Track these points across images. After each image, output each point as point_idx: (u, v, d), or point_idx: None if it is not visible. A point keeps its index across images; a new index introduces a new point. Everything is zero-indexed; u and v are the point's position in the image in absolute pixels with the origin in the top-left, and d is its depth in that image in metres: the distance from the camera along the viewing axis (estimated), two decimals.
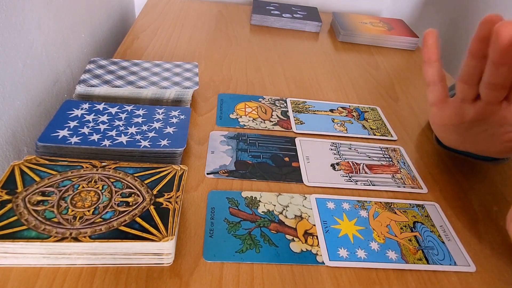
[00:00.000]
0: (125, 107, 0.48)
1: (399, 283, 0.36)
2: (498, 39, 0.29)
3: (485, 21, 0.31)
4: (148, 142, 0.43)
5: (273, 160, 0.48)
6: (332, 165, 0.49)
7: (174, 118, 0.48)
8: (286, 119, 0.56)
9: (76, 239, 0.31)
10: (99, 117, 0.46)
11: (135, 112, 0.48)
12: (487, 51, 0.32)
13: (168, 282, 0.33)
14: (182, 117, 0.48)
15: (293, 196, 0.43)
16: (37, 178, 0.36)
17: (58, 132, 0.42)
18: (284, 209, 0.41)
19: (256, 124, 0.54)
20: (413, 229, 0.41)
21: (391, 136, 0.56)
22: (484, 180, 0.50)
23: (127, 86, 0.52)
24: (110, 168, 0.38)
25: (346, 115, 0.59)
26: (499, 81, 0.33)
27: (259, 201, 0.42)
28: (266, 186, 0.44)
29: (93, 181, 0.36)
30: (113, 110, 0.47)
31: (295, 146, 0.51)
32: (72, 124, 0.44)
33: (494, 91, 0.34)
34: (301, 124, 0.56)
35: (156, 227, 0.33)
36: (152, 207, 0.34)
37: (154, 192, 0.36)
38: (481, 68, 0.34)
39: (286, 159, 0.49)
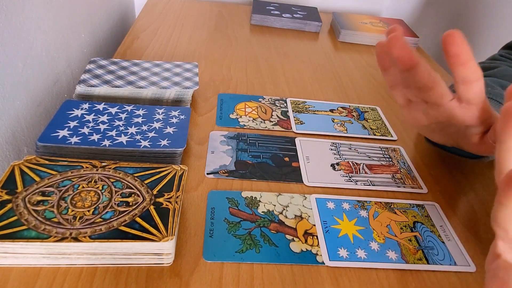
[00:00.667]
0: (125, 107, 0.48)
1: (399, 283, 0.36)
2: (391, 52, 0.34)
3: (379, 45, 0.38)
4: (148, 142, 0.43)
5: (273, 160, 0.48)
6: (332, 165, 0.49)
7: (174, 118, 0.48)
8: (286, 119, 0.56)
9: (76, 239, 0.31)
10: (99, 117, 0.46)
11: (135, 112, 0.48)
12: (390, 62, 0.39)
13: (168, 282, 0.33)
14: (182, 117, 0.48)
15: (293, 196, 0.43)
16: (37, 178, 0.36)
17: (58, 132, 0.42)
18: (284, 209, 0.41)
19: (256, 124, 0.54)
20: (413, 229, 0.41)
21: (391, 136, 0.56)
22: (484, 180, 0.50)
23: (127, 86, 0.52)
24: (110, 168, 0.38)
25: (346, 115, 0.59)
26: (411, 84, 0.37)
27: (259, 201, 0.42)
28: (266, 186, 0.44)
29: (93, 181, 0.36)
30: (113, 110, 0.47)
31: (295, 146, 0.51)
32: (72, 124, 0.44)
33: (417, 93, 0.38)
34: (301, 124, 0.56)
35: (156, 227, 0.33)
36: (152, 207, 0.34)
37: (154, 192, 0.36)
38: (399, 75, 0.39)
39: (286, 159, 0.49)
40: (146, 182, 0.37)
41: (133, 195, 0.36)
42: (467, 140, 0.42)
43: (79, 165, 0.38)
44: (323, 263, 0.36)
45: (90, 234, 0.31)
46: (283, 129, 0.54)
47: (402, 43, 0.34)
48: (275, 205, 0.42)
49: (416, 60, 0.34)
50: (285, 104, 0.60)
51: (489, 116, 0.38)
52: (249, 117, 0.56)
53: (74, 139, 0.42)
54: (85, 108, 0.47)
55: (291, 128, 0.55)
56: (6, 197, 0.34)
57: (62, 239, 0.31)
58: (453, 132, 0.42)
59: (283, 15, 0.90)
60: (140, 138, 0.43)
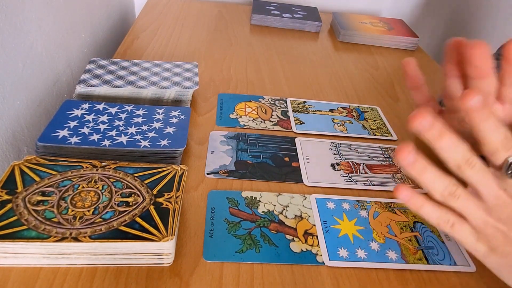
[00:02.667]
0: (125, 107, 0.48)
1: (399, 283, 0.36)
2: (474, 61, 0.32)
3: (451, 46, 0.35)
4: (148, 142, 0.43)
5: (273, 160, 0.48)
6: (332, 165, 0.49)
7: (174, 118, 0.48)
8: (286, 119, 0.56)
9: (76, 239, 0.31)
10: (99, 117, 0.46)
11: (135, 112, 0.48)
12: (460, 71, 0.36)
13: (168, 282, 0.33)
14: (182, 117, 0.48)
15: (293, 196, 0.43)
16: (37, 178, 0.36)
17: (58, 132, 0.42)
18: (284, 209, 0.41)
19: (256, 124, 0.54)
20: (413, 229, 0.41)
21: (391, 136, 0.56)
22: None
23: (127, 86, 0.51)
24: (110, 168, 0.38)
25: (346, 115, 0.59)
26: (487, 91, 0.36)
27: (259, 201, 0.42)
28: (266, 186, 0.44)
29: (93, 181, 0.36)
30: (113, 110, 0.47)
31: (295, 146, 0.51)
32: (72, 124, 0.44)
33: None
34: (301, 124, 0.56)
35: (156, 227, 0.33)
36: (152, 207, 0.34)
37: (154, 192, 0.36)
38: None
39: (286, 159, 0.49)
40: (146, 182, 0.37)
41: (133, 195, 0.36)
42: None
43: (79, 165, 0.38)
44: (323, 263, 0.36)
45: (90, 234, 0.31)
46: (283, 129, 0.54)
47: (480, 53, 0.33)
48: (275, 205, 0.42)
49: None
50: (285, 104, 0.60)
51: None
52: (249, 117, 0.56)
53: (74, 139, 0.42)
54: (85, 108, 0.47)
55: (291, 128, 0.55)
56: (6, 197, 0.34)
57: (62, 239, 0.31)
58: None
59: (283, 15, 0.90)
60: (140, 138, 0.43)
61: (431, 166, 0.29)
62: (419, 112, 0.27)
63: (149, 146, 0.42)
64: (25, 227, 0.31)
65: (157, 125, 0.46)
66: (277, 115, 0.57)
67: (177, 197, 0.36)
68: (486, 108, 0.26)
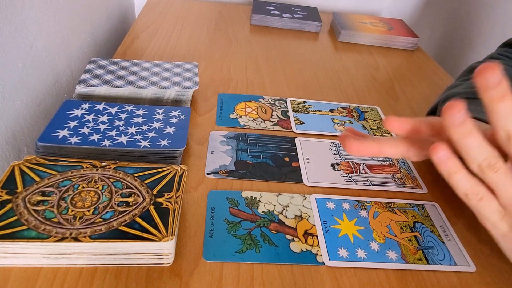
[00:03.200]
0: (125, 107, 0.48)
1: (399, 283, 0.36)
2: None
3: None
4: (148, 142, 0.43)
5: (273, 160, 0.48)
6: (332, 165, 0.49)
7: (174, 118, 0.48)
8: (286, 119, 0.56)
9: (76, 239, 0.31)
10: (99, 117, 0.46)
11: (135, 112, 0.48)
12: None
13: (168, 282, 0.33)
14: (182, 117, 0.48)
15: (293, 196, 0.43)
16: (37, 178, 0.36)
17: (58, 132, 0.42)
18: (284, 209, 0.41)
19: (256, 124, 0.54)
20: (413, 229, 0.41)
21: (391, 136, 0.56)
22: None
23: (127, 86, 0.52)
24: (110, 168, 0.38)
25: (346, 115, 0.59)
26: None
27: (259, 201, 0.42)
28: (266, 186, 0.44)
29: (93, 181, 0.36)
30: (113, 110, 0.47)
31: (295, 146, 0.51)
32: (72, 124, 0.44)
33: None
34: (301, 124, 0.56)
35: (156, 227, 0.33)
36: (152, 207, 0.34)
37: (154, 192, 0.36)
38: None
39: (286, 159, 0.49)
40: (146, 182, 0.37)
41: (133, 195, 0.36)
42: None
43: (79, 165, 0.38)
44: (323, 263, 0.36)
45: (90, 234, 0.31)
46: (283, 129, 0.54)
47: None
48: (275, 205, 0.42)
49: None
50: (285, 104, 0.60)
51: None
52: (249, 117, 0.56)
53: (74, 139, 0.42)
54: (85, 108, 0.47)
55: (291, 128, 0.55)
56: (6, 197, 0.34)
57: (62, 239, 0.31)
58: None
59: (283, 15, 0.90)
60: (140, 138, 0.43)
61: (477, 132, 0.27)
62: (453, 104, 0.26)
63: (149, 146, 0.42)
64: (25, 227, 0.31)
65: (157, 125, 0.46)
66: (277, 115, 0.57)
67: (177, 197, 0.36)
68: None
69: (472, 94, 0.50)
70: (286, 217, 0.40)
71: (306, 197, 0.43)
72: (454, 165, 0.28)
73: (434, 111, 0.57)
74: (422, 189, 0.47)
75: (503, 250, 0.31)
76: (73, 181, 0.36)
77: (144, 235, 0.32)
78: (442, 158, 0.28)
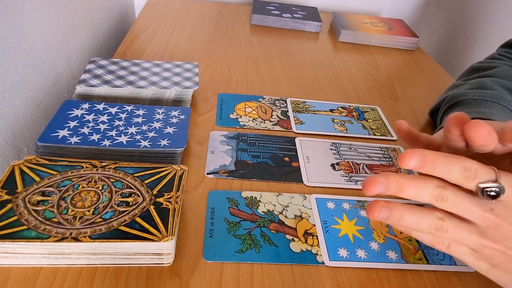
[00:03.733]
0: (125, 107, 0.48)
1: (399, 283, 0.36)
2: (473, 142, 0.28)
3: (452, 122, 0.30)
4: (148, 142, 0.43)
5: (273, 160, 0.48)
6: (332, 165, 0.49)
7: (174, 118, 0.48)
8: (286, 119, 0.56)
9: (76, 239, 0.31)
10: (99, 117, 0.46)
11: (135, 112, 0.48)
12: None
13: (168, 282, 0.33)
14: (182, 117, 0.48)
15: (293, 196, 0.43)
16: (37, 178, 0.36)
17: (58, 132, 0.42)
18: (284, 209, 0.41)
19: (256, 124, 0.54)
20: None
21: (391, 136, 0.56)
22: None
23: (127, 86, 0.52)
24: (110, 168, 0.38)
25: (346, 115, 0.59)
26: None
27: (259, 201, 0.42)
28: (266, 186, 0.44)
29: (93, 181, 0.36)
30: (113, 110, 0.47)
31: (295, 146, 0.51)
32: (72, 124, 0.44)
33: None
34: (301, 124, 0.56)
35: (156, 227, 0.33)
36: (152, 207, 0.34)
37: (154, 192, 0.36)
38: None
39: (286, 159, 0.49)
40: (146, 182, 0.37)
41: (133, 195, 0.36)
42: None
43: (79, 165, 0.38)
44: (323, 263, 0.36)
45: (90, 234, 0.31)
46: (283, 129, 0.54)
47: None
48: (275, 205, 0.42)
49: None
50: (285, 104, 0.60)
51: None
52: (249, 117, 0.56)
53: (74, 139, 0.42)
54: (85, 108, 0.47)
55: (291, 128, 0.55)
56: (6, 197, 0.34)
57: (62, 239, 0.31)
58: None
59: (283, 15, 0.90)
60: (140, 138, 0.43)
61: (408, 209, 0.28)
62: (373, 205, 0.27)
63: (149, 146, 0.42)
64: (25, 227, 0.31)
65: (157, 125, 0.46)
66: (277, 115, 0.57)
67: (177, 197, 0.36)
68: (427, 162, 0.26)
69: (474, 95, 0.50)
70: (286, 217, 0.40)
71: (306, 197, 0.43)
72: (408, 225, 0.28)
73: (436, 110, 0.57)
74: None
75: (496, 282, 0.30)
76: (73, 181, 0.36)
77: (144, 235, 0.32)
78: (385, 217, 0.28)
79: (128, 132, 0.44)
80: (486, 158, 0.30)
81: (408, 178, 0.27)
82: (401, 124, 0.35)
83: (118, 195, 0.35)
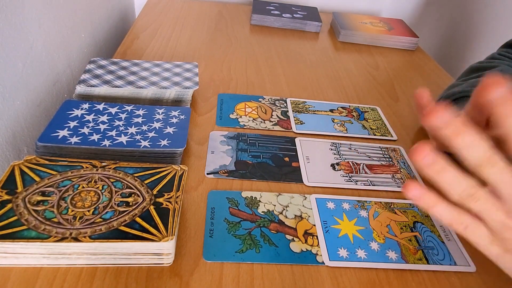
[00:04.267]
0: (125, 107, 0.48)
1: (399, 283, 0.36)
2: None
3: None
4: (148, 142, 0.43)
5: (273, 160, 0.48)
6: (332, 165, 0.49)
7: (174, 118, 0.48)
8: (286, 119, 0.56)
9: (76, 239, 0.31)
10: (99, 117, 0.46)
11: (135, 112, 0.48)
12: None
13: (168, 282, 0.33)
14: (182, 117, 0.48)
15: (293, 196, 0.43)
16: (37, 178, 0.36)
17: (58, 132, 0.42)
18: (284, 209, 0.41)
19: (256, 124, 0.54)
20: (413, 229, 0.41)
21: (391, 136, 0.56)
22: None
23: (127, 86, 0.51)
24: (110, 168, 0.38)
25: (346, 115, 0.59)
26: None
27: (259, 201, 0.42)
28: (266, 186, 0.44)
29: (93, 181, 0.36)
30: (113, 110, 0.47)
31: (295, 146, 0.51)
32: (72, 124, 0.44)
33: None
34: (301, 124, 0.56)
35: (156, 227, 0.33)
36: (152, 207, 0.34)
37: (154, 192, 0.36)
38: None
39: (286, 159, 0.49)
40: (146, 182, 0.37)
41: (133, 195, 0.36)
42: None
43: (79, 165, 0.38)
44: (323, 263, 0.36)
45: (90, 234, 0.31)
46: (283, 129, 0.54)
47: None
48: (275, 205, 0.42)
49: None
50: (285, 104, 0.60)
51: None
52: (249, 117, 0.56)
53: (74, 139, 0.42)
54: (85, 108, 0.47)
55: (291, 128, 0.55)
56: (6, 197, 0.34)
57: (62, 239, 0.31)
58: None
59: (283, 15, 0.90)
60: (140, 138, 0.43)
61: (451, 166, 0.27)
62: (436, 108, 0.25)
63: (149, 146, 0.42)
64: (25, 227, 0.31)
65: (157, 125, 0.46)
66: (277, 115, 0.57)
67: (177, 197, 0.36)
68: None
69: (471, 92, 0.50)
70: (286, 217, 0.40)
71: (306, 197, 0.43)
72: (430, 200, 0.28)
73: None
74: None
75: (502, 268, 0.30)
76: (73, 181, 0.36)
77: (144, 235, 0.32)
78: (416, 197, 0.28)
79: (128, 132, 0.44)
80: None
81: (470, 127, 0.26)
82: (422, 95, 0.31)
83: (118, 195, 0.35)
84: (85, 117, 0.45)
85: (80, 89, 0.50)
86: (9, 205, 0.33)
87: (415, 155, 0.27)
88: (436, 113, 0.25)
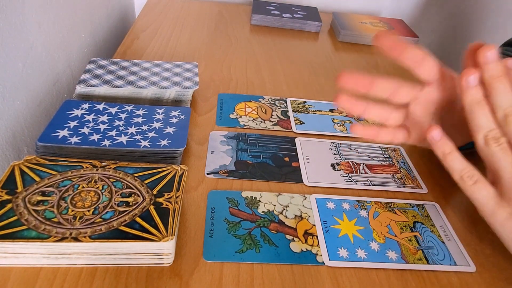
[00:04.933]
0: (125, 107, 0.48)
1: (399, 283, 0.36)
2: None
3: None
4: (148, 142, 0.43)
5: (273, 160, 0.48)
6: (332, 165, 0.49)
7: (174, 118, 0.48)
8: (286, 119, 0.56)
9: (76, 239, 0.31)
10: (99, 117, 0.46)
11: (135, 112, 0.48)
12: None
13: (168, 282, 0.33)
14: (182, 117, 0.48)
15: (293, 196, 0.43)
16: (37, 178, 0.36)
17: (58, 132, 0.42)
18: (284, 209, 0.41)
19: (256, 124, 0.54)
20: (413, 229, 0.41)
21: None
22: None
23: (127, 86, 0.52)
24: (110, 168, 0.38)
25: (346, 115, 0.59)
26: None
27: (259, 201, 0.42)
28: (266, 186, 0.44)
29: (93, 181, 0.36)
30: (113, 110, 0.47)
31: (295, 146, 0.51)
32: (72, 124, 0.44)
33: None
34: (301, 124, 0.56)
35: (156, 227, 0.33)
36: (152, 207, 0.34)
37: (154, 192, 0.36)
38: None
39: (286, 159, 0.49)
40: (146, 182, 0.37)
41: (133, 195, 0.36)
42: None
43: (79, 165, 0.38)
44: (323, 263, 0.36)
45: (90, 234, 0.31)
46: (283, 129, 0.54)
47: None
48: (275, 205, 0.42)
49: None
50: (285, 104, 0.60)
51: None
52: (249, 117, 0.56)
53: (74, 139, 0.42)
54: (85, 108, 0.47)
55: (291, 128, 0.55)
56: (6, 197, 0.34)
57: (62, 239, 0.31)
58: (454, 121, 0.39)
59: (283, 15, 0.90)
60: (140, 138, 0.43)
61: (486, 102, 0.28)
62: (485, 46, 0.27)
63: (149, 146, 0.42)
64: (25, 227, 0.31)
65: (157, 125, 0.46)
66: (277, 115, 0.57)
67: (177, 197, 0.36)
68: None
69: None
70: (286, 217, 0.40)
71: (306, 197, 0.43)
72: (448, 146, 0.29)
73: None
74: (422, 189, 0.47)
75: (503, 239, 0.30)
76: (73, 181, 0.36)
77: (144, 235, 0.32)
78: (436, 138, 0.28)
79: (128, 132, 0.44)
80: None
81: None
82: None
83: (118, 195, 0.35)
84: (85, 117, 0.45)
85: (80, 89, 0.50)
86: (9, 205, 0.33)
87: (464, 76, 0.27)
88: (487, 51, 0.26)
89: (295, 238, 0.38)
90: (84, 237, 0.31)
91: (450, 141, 0.29)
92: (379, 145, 0.54)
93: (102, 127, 0.44)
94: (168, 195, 0.36)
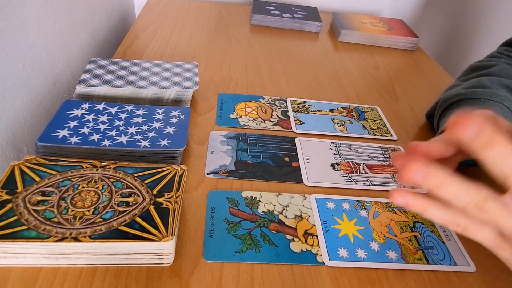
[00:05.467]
0: (125, 107, 0.48)
1: (399, 283, 0.36)
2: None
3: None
4: (148, 142, 0.43)
5: (273, 160, 0.48)
6: (332, 165, 0.49)
7: (174, 118, 0.48)
8: (286, 119, 0.56)
9: (76, 239, 0.31)
10: (99, 117, 0.46)
11: (135, 112, 0.48)
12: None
13: (168, 282, 0.33)
14: (182, 117, 0.48)
15: (293, 196, 0.43)
16: (37, 178, 0.36)
17: (58, 132, 0.42)
18: (284, 209, 0.41)
19: (256, 124, 0.54)
20: (413, 229, 0.41)
21: (391, 136, 0.56)
22: (485, 180, 0.50)
23: (127, 86, 0.51)
24: (110, 168, 0.38)
25: (346, 115, 0.59)
26: None
27: (259, 201, 0.42)
28: (266, 186, 0.44)
29: (93, 181, 0.36)
30: (113, 110, 0.47)
31: (295, 146, 0.51)
32: (72, 124, 0.44)
33: None
34: (301, 124, 0.56)
35: (156, 227, 0.33)
36: (152, 207, 0.34)
37: (154, 192, 0.36)
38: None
39: (286, 159, 0.49)
40: (146, 182, 0.37)
41: (133, 195, 0.36)
42: None
43: (79, 165, 0.38)
44: (323, 263, 0.36)
45: (90, 234, 0.31)
46: (283, 129, 0.54)
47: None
48: (275, 205, 0.42)
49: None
50: (285, 104, 0.60)
51: None
52: (249, 117, 0.56)
53: (74, 139, 0.42)
54: (85, 108, 0.47)
55: (291, 128, 0.55)
56: (6, 197, 0.34)
57: (62, 239, 0.31)
58: None
59: (283, 15, 0.90)
60: (140, 138, 0.43)
61: (451, 176, 0.24)
62: (409, 166, 0.23)
63: (149, 146, 0.42)
64: (25, 227, 0.31)
65: (157, 125, 0.46)
66: (277, 115, 0.57)
67: (177, 197, 0.36)
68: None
69: (467, 94, 0.50)
70: (286, 217, 0.40)
71: (306, 197, 0.43)
72: (420, 205, 0.26)
73: (432, 114, 0.57)
74: (422, 189, 0.47)
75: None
76: (73, 181, 0.36)
77: (144, 235, 0.32)
78: (403, 203, 0.26)
79: (128, 132, 0.44)
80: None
81: (502, 137, 0.23)
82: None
83: (118, 195, 0.35)
84: (85, 117, 0.45)
85: (80, 89, 0.50)
86: (9, 205, 0.33)
87: (405, 174, 0.24)
88: (464, 125, 0.23)
89: (295, 238, 0.38)
90: (84, 237, 0.31)
91: (419, 198, 0.26)
92: (379, 145, 0.54)
93: (102, 127, 0.44)
94: (168, 195, 0.36)
